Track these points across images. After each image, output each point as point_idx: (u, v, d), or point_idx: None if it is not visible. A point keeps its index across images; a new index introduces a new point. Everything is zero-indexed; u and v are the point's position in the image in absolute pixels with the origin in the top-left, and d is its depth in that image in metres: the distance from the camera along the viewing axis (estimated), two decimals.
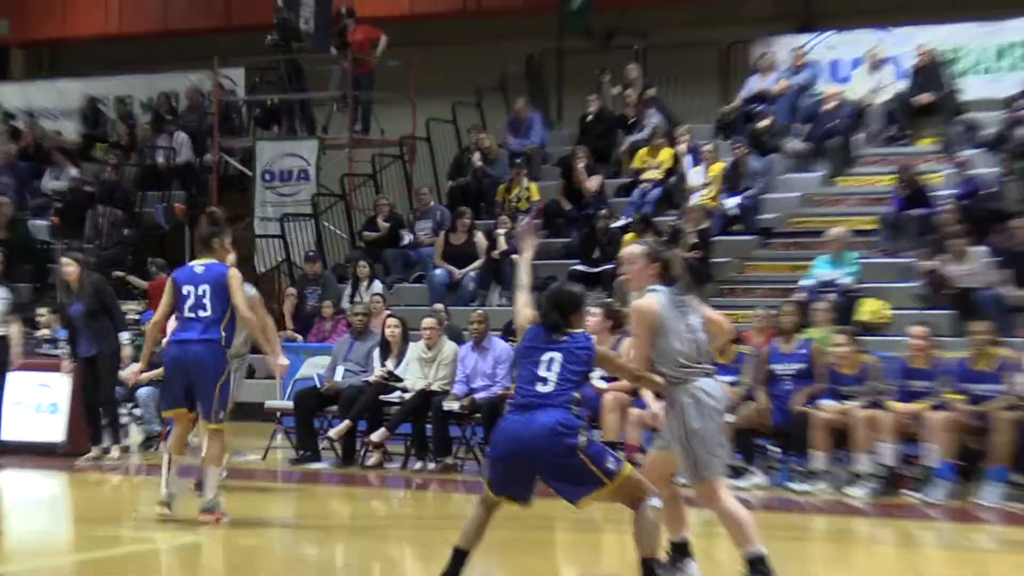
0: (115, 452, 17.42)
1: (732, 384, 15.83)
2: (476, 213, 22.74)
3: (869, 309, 18.11)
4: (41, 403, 18.64)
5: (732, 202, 21.21)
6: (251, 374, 17.96)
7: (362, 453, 17.76)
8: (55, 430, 18.27)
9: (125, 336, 17.55)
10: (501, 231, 21.42)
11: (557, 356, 9.57)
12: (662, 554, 9.74)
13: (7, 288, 18.00)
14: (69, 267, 17.08)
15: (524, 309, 10.04)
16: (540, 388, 9.54)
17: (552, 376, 9.51)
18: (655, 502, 9.46)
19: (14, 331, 17.58)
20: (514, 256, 16.91)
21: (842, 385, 15.87)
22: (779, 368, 16.31)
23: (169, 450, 13.05)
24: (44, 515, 14.89)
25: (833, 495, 15.37)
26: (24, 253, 24.92)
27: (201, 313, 12.55)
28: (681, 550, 10.09)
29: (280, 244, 25.21)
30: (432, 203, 23.90)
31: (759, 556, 9.54)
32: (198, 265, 12.80)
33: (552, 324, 9.67)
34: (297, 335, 20.94)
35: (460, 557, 9.40)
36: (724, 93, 24.67)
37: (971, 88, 22.49)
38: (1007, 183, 19.91)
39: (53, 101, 30.79)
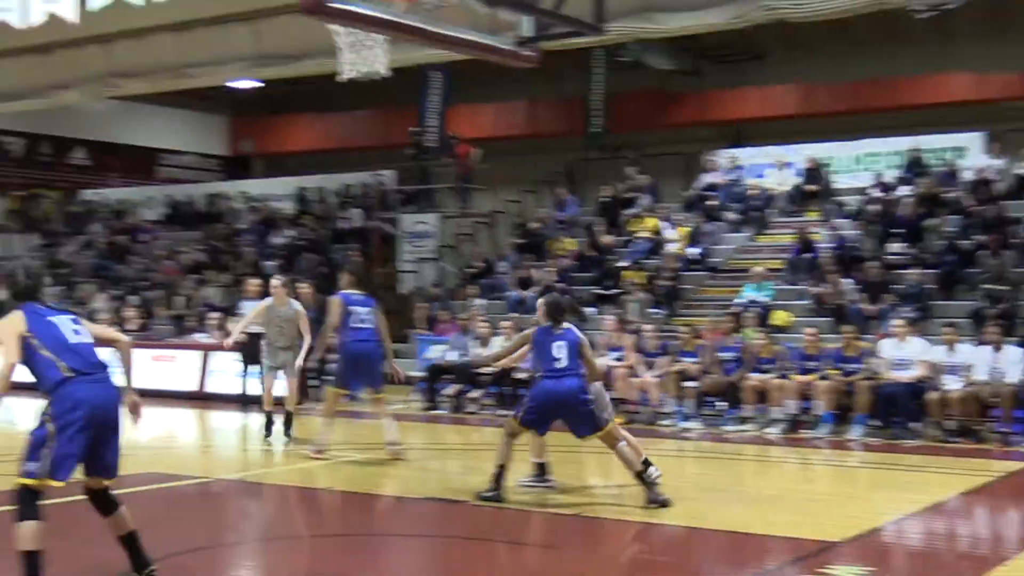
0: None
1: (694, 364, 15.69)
2: (536, 257, 22.36)
3: (779, 317, 17.77)
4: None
5: (693, 251, 20.84)
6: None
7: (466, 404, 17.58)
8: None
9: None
10: (551, 270, 21.16)
11: (563, 344, 9.80)
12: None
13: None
14: (304, 289, 16.67)
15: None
16: (558, 364, 9.71)
17: (564, 356, 9.64)
18: (623, 444, 9.87)
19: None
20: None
21: (762, 364, 15.68)
22: (723, 355, 16.12)
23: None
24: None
25: (757, 433, 15.15)
26: None
27: (367, 325, 12.34)
28: None
29: (415, 277, 25.25)
30: (508, 251, 23.64)
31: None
32: (357, 295, 12.54)
33: (555, 322, 9.95)
34: (427, 331, 20.64)
35: (500, 473, 9.83)
36: (686, 184, 24.36)
37: (840, 181, 22.09)
38: (863, 239, 19.56)
39: (277, 190, 30.72)
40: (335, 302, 12.46)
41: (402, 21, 8.46)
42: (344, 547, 8.65)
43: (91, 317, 17.00)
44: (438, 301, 22.13)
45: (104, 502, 6.92)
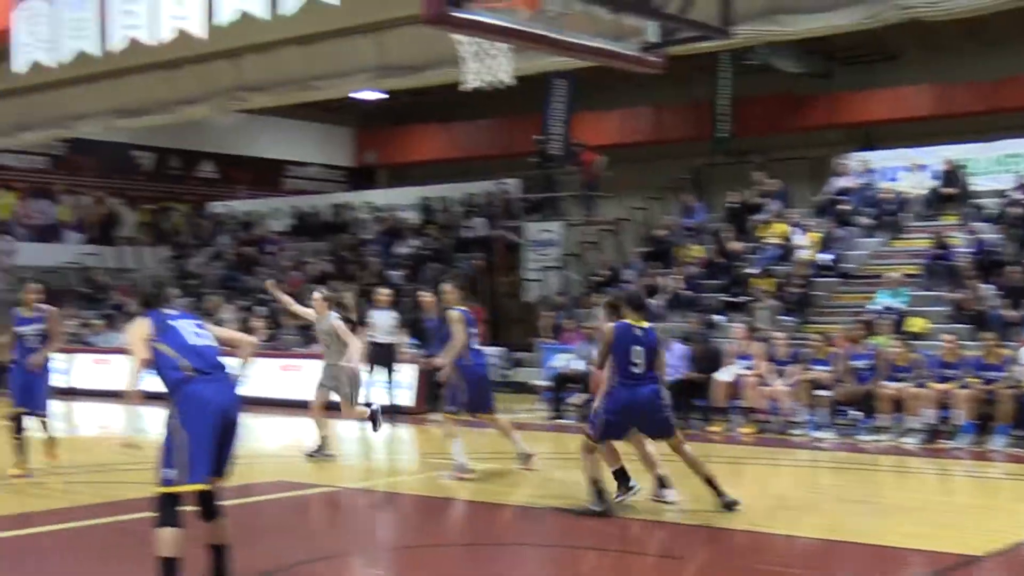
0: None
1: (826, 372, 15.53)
2: (663, 265, 22.25)
3: (915, 324, 17.39)
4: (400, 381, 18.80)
5: (825, 257, 20.50)
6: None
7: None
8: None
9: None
10: (678, 278, 21.05)
11: (642, 349, 9.59)
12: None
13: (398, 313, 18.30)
14: (427, 298, 16.63)
15: None
16: (636, 370, 9.54)
17: (642, 362, 9.56)
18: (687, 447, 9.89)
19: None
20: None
21: (898, 372, 15.40)
22: (856, 363, 15.86)
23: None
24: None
25: (893, 443, 14.88)
26: None
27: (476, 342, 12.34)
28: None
29: (539, 286, 25.31)
30: (633, 259, 23.58)
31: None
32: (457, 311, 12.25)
33: (637, 317, 9.72)
34: (552, 340, 20.69)
35: (598, 487, 9.62)
36: (816, 188, 24.02)
37: (979, 184, 21.54)
38: (1004, 243, 19.10)
39: (402, 200, 31.09)
40: (457, 317, 12.01)
41: (526, 29, 8.49)
42: (470, 557, 8.72)
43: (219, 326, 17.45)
44: (563, 310, 22.16)
45: (209, 506, 7.08)
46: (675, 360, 17.17)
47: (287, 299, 15.13)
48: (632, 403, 9.58)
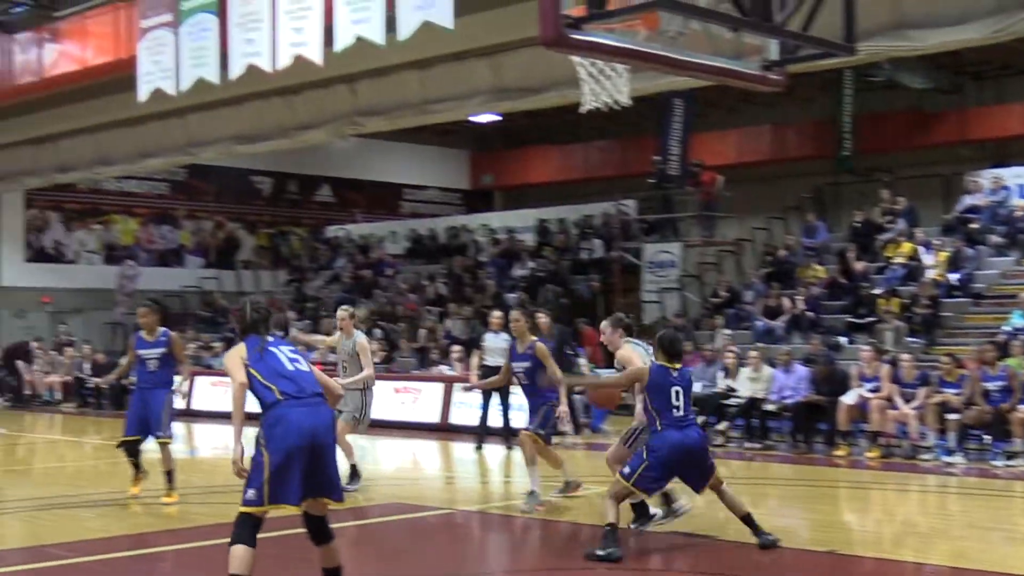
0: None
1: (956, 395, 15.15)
2: (784, 286, 22.04)
3: None
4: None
5: (954, 277, 20.13)
6: None
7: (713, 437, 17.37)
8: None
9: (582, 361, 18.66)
10: (800, 298, 20.84)
11: (680, 389, 9.13)
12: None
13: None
14: (543, 319, 16.65)
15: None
16: (677, 413, 9.04)
17: (682, 403, 9.07)
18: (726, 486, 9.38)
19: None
20: None
21: None
22: (988, 385, 15.51)
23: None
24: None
25: None
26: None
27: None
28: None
29: (657, 307, 25.23)
30: (754, 280, 23.39)
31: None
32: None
33: (672, 360, 9.23)
34: None
35: (612, 531, 9.07)
36: (945, 206, 23.63)
37: None
38: None
39: (518, 222, 31.25)
40: (544, 352, 11.28)
41: (644, 50, 8.54)
42: None
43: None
44: (682, 331, 22.06)
45: (320, 530, 7.18)
46: (796, 382, 17.03)
47: (317, 338, 15.31)
48: (682, 445, 9.01)
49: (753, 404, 17.05)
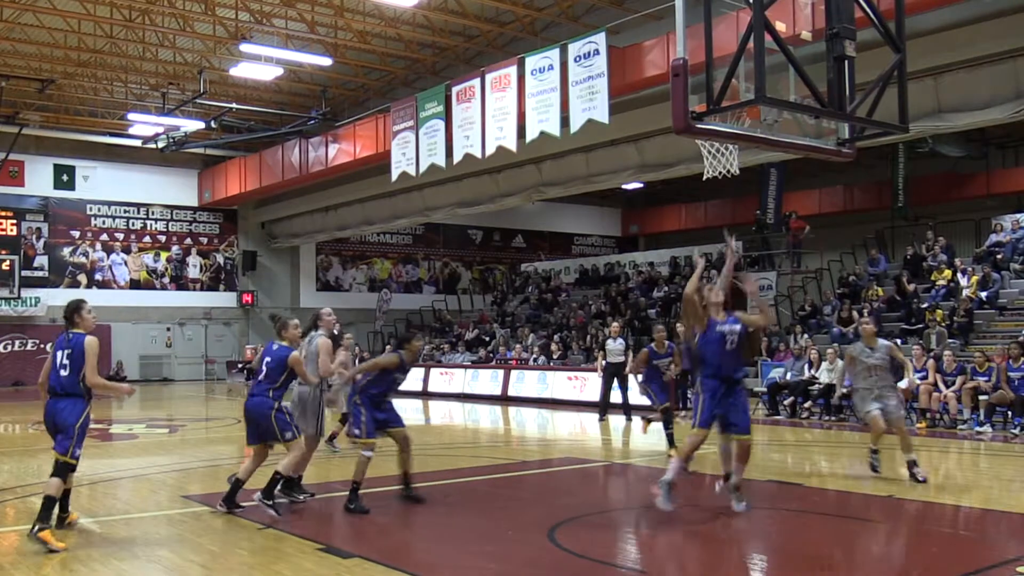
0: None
1: (986, 382, 14.39)
2: (853, 303, 21.32)
3: None
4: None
5: (984, 294, 19.15)
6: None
7: (801, 412, 16.90)
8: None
9: None
10: (866, 316, 20.11)
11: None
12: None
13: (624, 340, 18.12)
14: (661, 333, 14.16)
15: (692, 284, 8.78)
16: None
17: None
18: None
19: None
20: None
21: None
22: (1012, 374, 14.73)
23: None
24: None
25: None
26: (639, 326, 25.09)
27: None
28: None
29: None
30: (831, 298, 22.69)
31: None
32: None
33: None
34: (768, 359, 20.12)
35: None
36: (976, 243, 22.57)
37: None
38: None
39: (657, 259, 31.00)
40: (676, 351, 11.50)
41: (749, 134, 8.50)
42: (705, 518, 8.50)
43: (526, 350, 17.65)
44: (777, 336, 21.58)
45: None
46: None
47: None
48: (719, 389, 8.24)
49: (830, 389, 16.54)
